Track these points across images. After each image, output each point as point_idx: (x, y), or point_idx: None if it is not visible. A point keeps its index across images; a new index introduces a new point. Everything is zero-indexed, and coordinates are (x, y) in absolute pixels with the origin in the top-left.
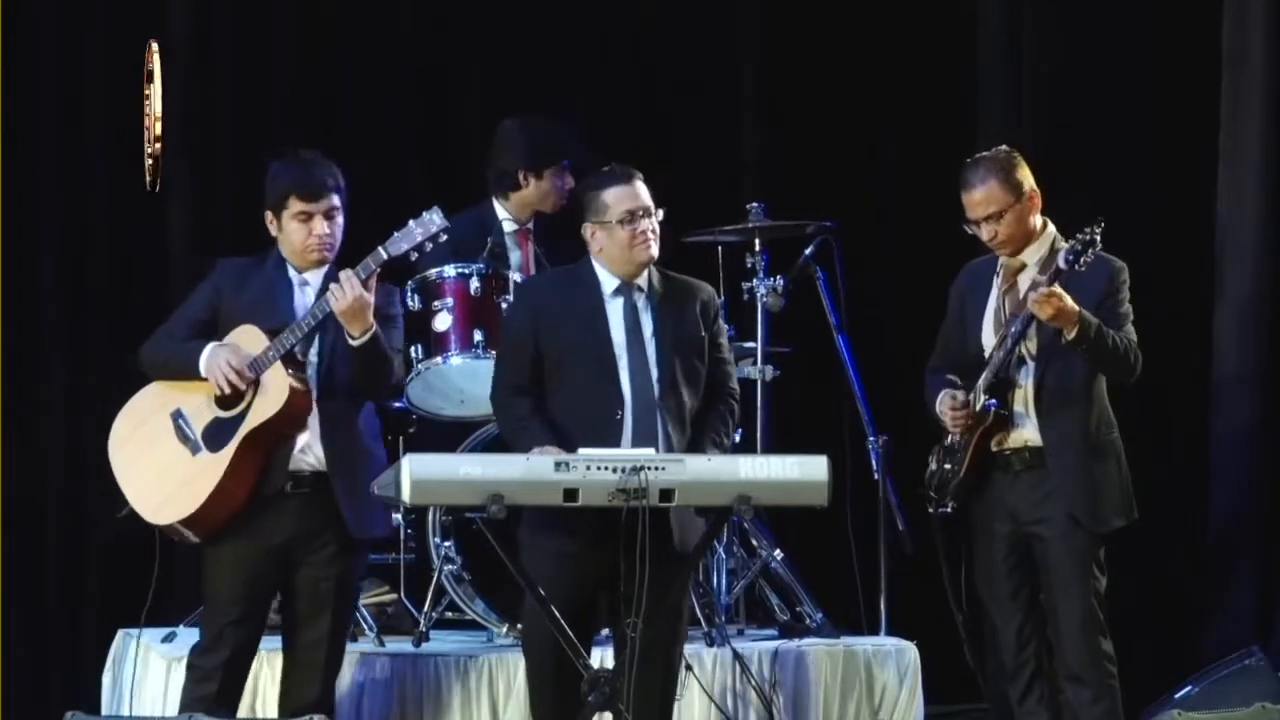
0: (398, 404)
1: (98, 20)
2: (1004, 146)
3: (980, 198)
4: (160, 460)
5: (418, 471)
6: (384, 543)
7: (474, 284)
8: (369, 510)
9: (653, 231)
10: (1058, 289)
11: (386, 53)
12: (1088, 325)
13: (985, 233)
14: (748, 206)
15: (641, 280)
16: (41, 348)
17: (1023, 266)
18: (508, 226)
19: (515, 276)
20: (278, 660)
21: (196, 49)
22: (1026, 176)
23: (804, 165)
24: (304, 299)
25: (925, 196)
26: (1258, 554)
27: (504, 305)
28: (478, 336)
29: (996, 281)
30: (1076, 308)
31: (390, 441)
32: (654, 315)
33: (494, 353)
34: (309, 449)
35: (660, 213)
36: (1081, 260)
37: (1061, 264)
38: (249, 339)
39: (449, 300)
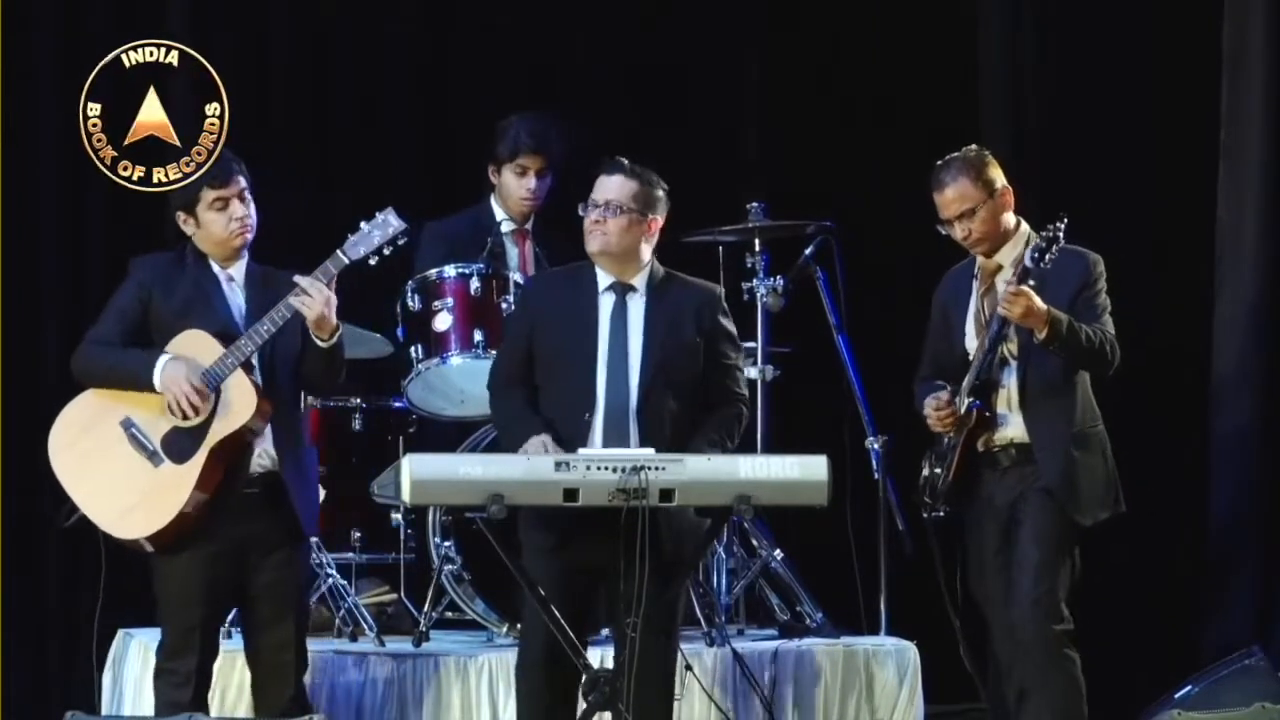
0: (398, 404)
1: (98, 20)
2: (973, 146)
3: (952, 196)
4: (116, 470)
5: (418, 471)
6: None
7: (474, 284)
8: (311, 508)
9: (599, 223)
10: (1025, 289)
11: (386, 53)
12: (1058, 323)
13: (959, 231)
14: (748, 206)
15: (638, 280)
16: (41, 349)
17: (999, 268)
18: (506, 226)
19: (515, 276)
20: (234, 661)
21: (196, 49)
22: (998, 174)
23: (804, 165)
24: (234, 296)
25: (925, 196)
26: (1258, 554)
27: (504, 305)
28: (478, 336)
29: (975, 285)
30: (1044, 306)
31: (390, 441)
32: (645, 317)
33: (494, 353)
34: (263, 452)
35: (633, 220)
36: (1046, 258)
37: (1027, 263)
38: (199, 345)
39: (449, 300)
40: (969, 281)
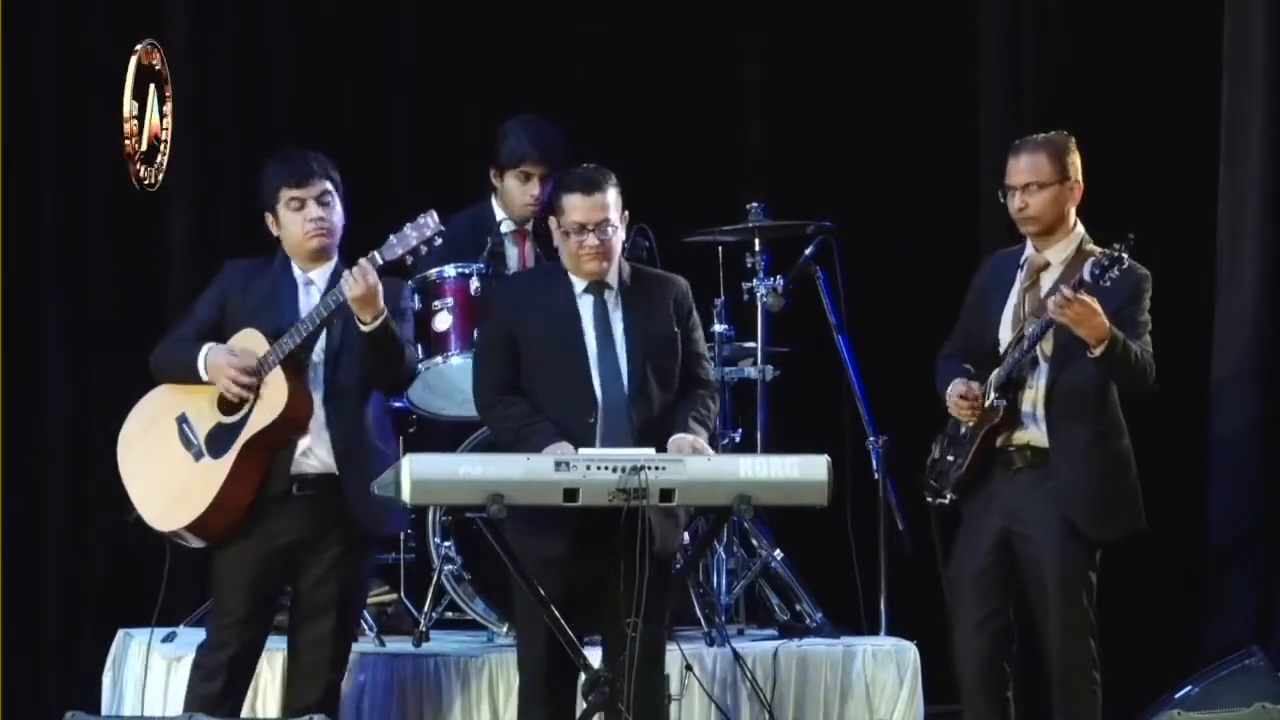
0: (398, 404)
1: (98, 20)
2: (1064, 130)
3: (1025, 165)
4: (164, 465)
5: (418, 471)
6: (386, 541)
7: (474, 284)
8: (383, 506)
9: (598, 246)
10: (1089, 300)
11: (385, 53)
12: (1115, 341)
13: (1016, 201)
14: (748, 206)
15: (611, 278)
16: (42, 348)
17: (1046, 265)
18: (506, 226)
19: None
20: (278, 660)
21: (196, 49)
22: (1076, 165)
23: (804, 165)
24: (308, 299)
25: (925, 197)
26: (1258, 554)
27: None
28: (478, 336)
29: (1020, 276)
30: (1107, 323)
31: None
32: (624, 314)
33: None
34: (311, 452)
35: (621, 227)
36: (1106, 276)
37: (1086, 276)
38: (250, 343)
39: (449, 300)
40: (1014, 271)
